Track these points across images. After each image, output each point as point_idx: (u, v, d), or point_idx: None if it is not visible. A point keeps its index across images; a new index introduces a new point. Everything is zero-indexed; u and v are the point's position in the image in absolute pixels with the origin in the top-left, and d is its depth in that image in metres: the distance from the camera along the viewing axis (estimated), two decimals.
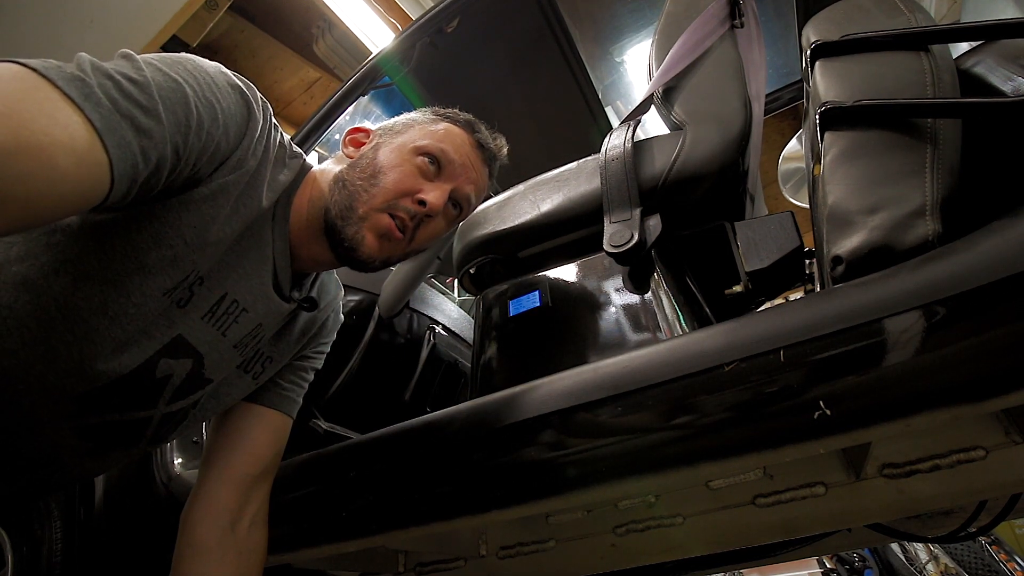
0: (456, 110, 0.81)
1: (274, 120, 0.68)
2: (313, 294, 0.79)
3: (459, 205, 0.77)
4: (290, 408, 0.81)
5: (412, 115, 0.79)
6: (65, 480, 0.73)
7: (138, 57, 0.53)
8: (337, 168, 0.74)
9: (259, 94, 0.64)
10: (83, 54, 0.50)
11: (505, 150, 0.83)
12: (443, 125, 0.77)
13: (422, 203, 0.70)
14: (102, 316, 0.57)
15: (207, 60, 0.60)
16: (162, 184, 0.54)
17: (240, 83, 0.61)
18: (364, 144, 0.76)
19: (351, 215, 0.69)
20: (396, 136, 0.75)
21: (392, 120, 0.80)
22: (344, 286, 1.35)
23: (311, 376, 0.85)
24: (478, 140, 0.78)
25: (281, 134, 0.70)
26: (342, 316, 0.90)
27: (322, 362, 0.87)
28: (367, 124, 0.82)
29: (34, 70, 0.45)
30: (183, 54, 0.58)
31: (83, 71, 0.48)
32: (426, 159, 0.72)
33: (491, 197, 1.07)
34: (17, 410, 0.59)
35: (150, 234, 0.57)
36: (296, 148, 0.72)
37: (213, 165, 0.59)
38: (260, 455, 0.76)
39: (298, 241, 0.71)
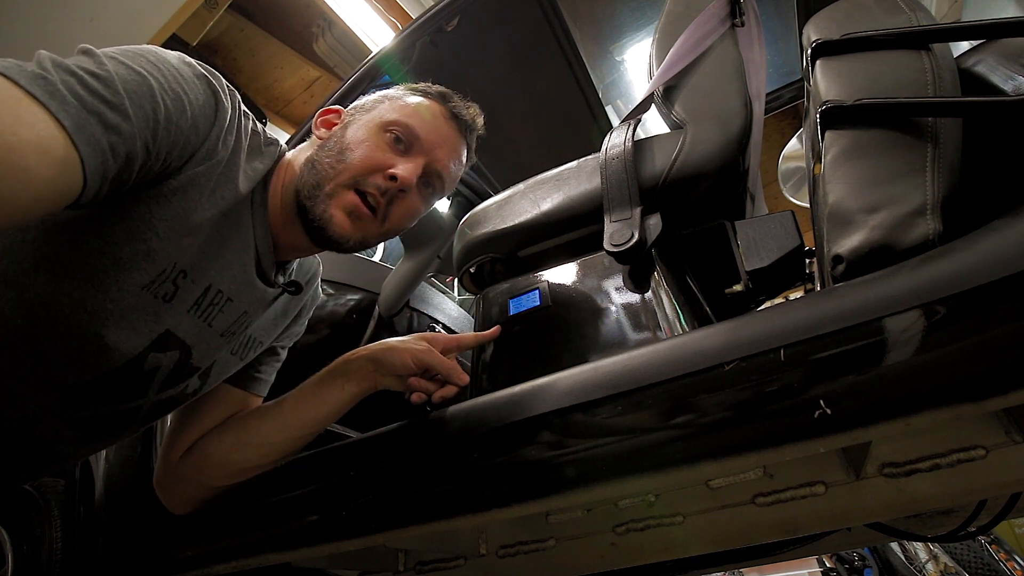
0: (429, 83, 0.80)
1: (243, 108, 0.67)
2: (296, 278, 0.80)
3: (433, 180, 0.76)
4: (262, 389, 0.84)
5: (385, 91, 0.79)
6: (61, 466, 0.75)
7: (99, 52, 0.52)
8: (307, 149, 0.74)
9: (225, 82, 0.63)
10: (42, 51, 0.48)
11: (480, 119, 0.82)
12: (415, 99, 0.76)
13: (392, 178, 0.69)
14: (82, 312, 0.57)
15: (170, 51, 0.59)
16: (133, 180, 0.53)
17: (205, 72, 0.60)
18: (336, 125, 0.76)
19: (318, 193, 0.68)
20: (366, 113, 0.75)
21: (364, 98, 0.79)
22: (344, 285, 1.35)
23: (284, 355, 0.88)
24: (452, 111, 0.77)
25: (252, 121, 0.69)
26: (320, 295, 0.91)
27: (293, 342, 0.89)
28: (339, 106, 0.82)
29: None
30: (144, 45, 0.57)
31: (44, 69, 0.46)
32: (394, 134, 0.72)
33: (491, 195, 1.07)
34: (11, 406, 0.59)
35: (123, 229, 0.56)
36: (271, 135, 0.72)
37: (184, 158, 0.58)
38: None
39: (277, 227, 0.71)
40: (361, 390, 0.78)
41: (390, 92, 0.79)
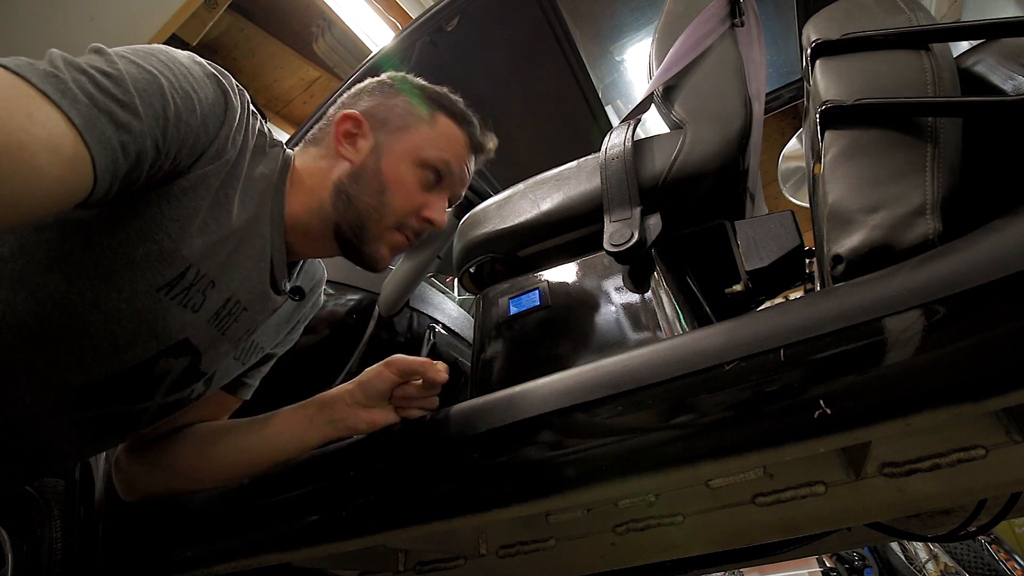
0: (448, 93, 0.79)
1: (252, 108, 0.67)
2: (300, 283, 0.80)
3: (450, 205, 0.80)
4: (246, 393, 0.85)
5: (405, 105, 0.76)
6: (64, 466, 0.75)
7: (110, 51, 0.52)
8: (329, 165, 0.73)
9: (235, 81, 0.63)
10: (54, 50, 0.49)
11: (494, 145, 0.83)
12: (442, 124, 0.76)
13: (429, 221, 0.75)
14: (96, 312, 0.57)
15: (179, 50, 0.59)
16: (143, 179, 0.53)
17: (215, 71, 0.60)
18: (358, 138, 0.74)
19: (365, 235, 0.72)
20: (396, 138, 0.74)
21: (383, 104, 0.76)
22: (344, 285, 1.34)
23: (272, 363, 0.88)
24: (472, 140, 0.79)
25: (260, 121, 0.69)
26: (322, 299, 0.91)
27: (285, 350, 0.88)
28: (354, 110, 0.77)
29: (5, 68, 0.44)
30: (155, 45, 0.57)
31: (56, 67, 0.47)
32: (430, 172, 0.74)
33: (491, 195, 1.07)
34: (19, 404, 0.59)
35: (135, 229, 0.56)
36: (275, 138, 0.72)
37: (193, 157, 0.58)
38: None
39: (293, 240, 0.72)
40: (334, 433, 0.75)
41: (413, 109, 0.76)
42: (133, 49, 0.54)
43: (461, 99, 0.80)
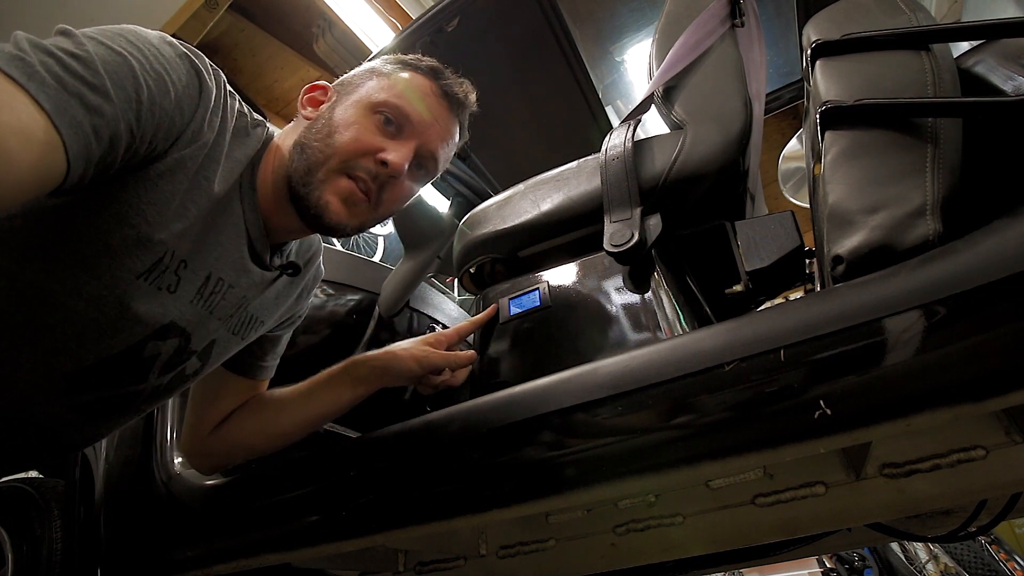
0: (419, 56, 0.77)
1: (229, 88, 0.65)
2: (294, 258, 0.79)
3: (426, 162, 0.74)
4: (268, 375, 0.88)
5: (374, 64, 0.75)
6: (69, 450, 0.81)
7: (77, 32, 0.51)
8: (294, 130, 0.72)
9: (208, 62, 0.62)
10: (19, 32, 0.47)
11: (473, 96, 0.79)
12: (405, 75, 0.73)
13: (384, 163, 0.67)
14: (78, 298, 0.56)
15: (150, 31, 0.57)
16: (118, 163, 0.52)
17: (187, 51, 0.59)
18: (323, 103, 0.73)
19: (311, 179, 0.66)
20: (354, 91, 0.72)
21: (351, 72, 0.76)
22: (344, 285, 1.35)
23: (286, 340, 0.90)
24: (443, 88, 0.74)
25: (239, 102, 0.67)
26: (323, 272, 0.90)
27: (300, 321, 0.91)
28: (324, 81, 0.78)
29: None
30: (124, 25, 0.55)
31: (21, 49, 0.45)
32: (384, 115, 0.69)
33: (491, 196, 1.07)
34: (12, 393, 0.59)
35: (111, 215, 0.55)
36: (257, 116, 0.70)
37: (169, 140, 0.56)
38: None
39: (268, 211, 0.70)
40: (368, 392, 0.86)
41: (378, 65, 0.74)
42: (101, 30, 0.52)
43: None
